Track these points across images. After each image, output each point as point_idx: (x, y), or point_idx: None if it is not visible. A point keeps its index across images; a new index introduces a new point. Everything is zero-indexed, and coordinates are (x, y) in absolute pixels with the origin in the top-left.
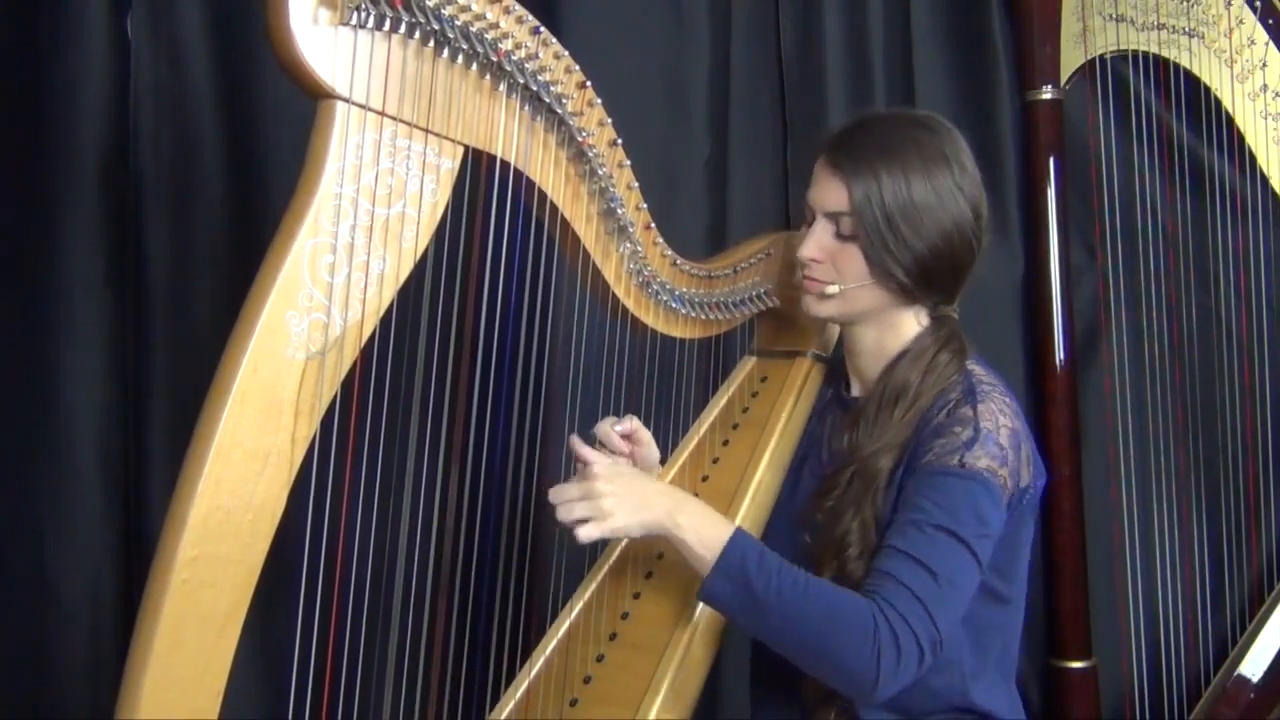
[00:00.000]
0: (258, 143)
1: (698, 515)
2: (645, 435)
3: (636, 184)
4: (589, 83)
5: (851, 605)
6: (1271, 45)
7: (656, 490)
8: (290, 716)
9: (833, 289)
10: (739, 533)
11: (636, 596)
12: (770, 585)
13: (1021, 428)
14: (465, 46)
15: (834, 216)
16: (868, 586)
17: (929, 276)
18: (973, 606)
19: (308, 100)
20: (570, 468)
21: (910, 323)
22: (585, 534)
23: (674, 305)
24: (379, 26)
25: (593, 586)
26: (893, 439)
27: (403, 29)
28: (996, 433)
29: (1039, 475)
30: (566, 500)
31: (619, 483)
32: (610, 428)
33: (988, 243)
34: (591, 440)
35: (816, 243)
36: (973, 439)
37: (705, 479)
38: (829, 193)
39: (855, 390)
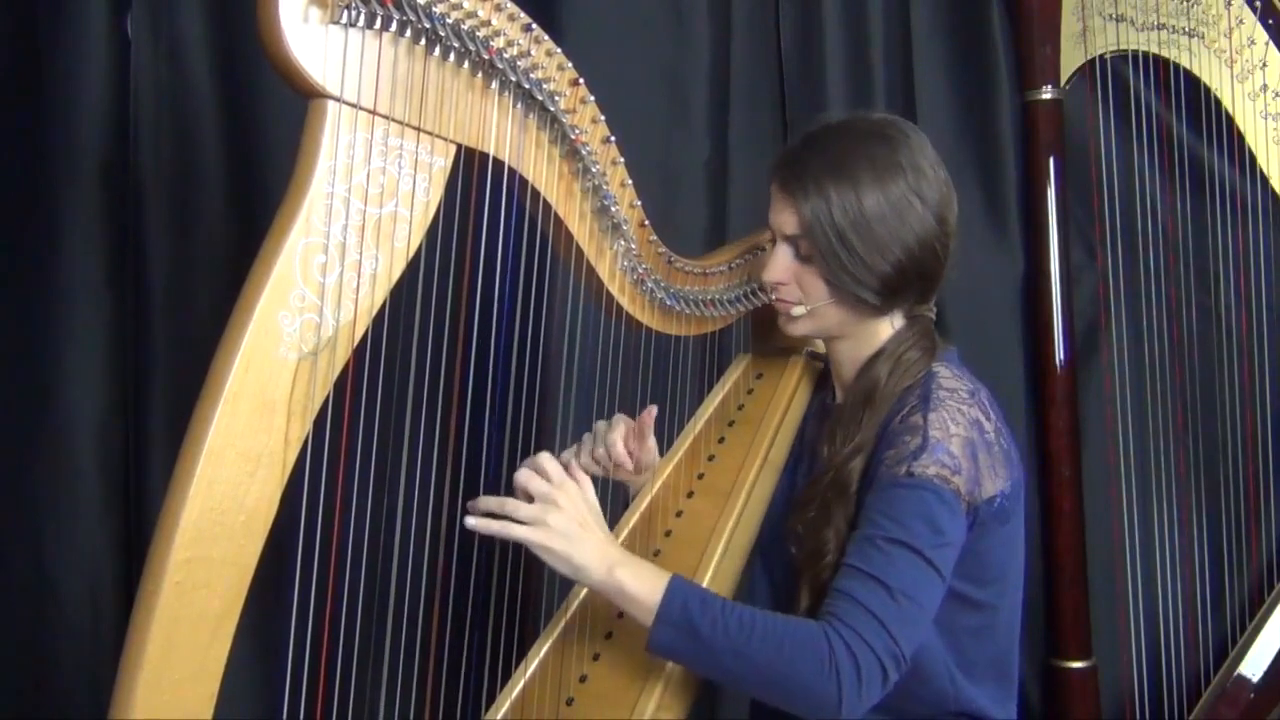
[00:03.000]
0: (258, 143)
1: (638, 569)
2: (649, 444)
3: (630, 181)
4: (581, 80)
5: (803, 632)
6: (1271, 45)
7: (606, 539)
8: (284, 717)
9: (799, 310)
10: (677, 579)
11: None
12: (716, 626)
13: (980, 438)
14: (457, 44)
15: (791, 239)
16: (825, 607)
17: (894, 289)
18: (947, 613)
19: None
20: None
21: (885, 328)
22: (507, 531)
23: (669, 302)
24: (370, 25)
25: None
26: (862, 440)
27: (394, 27)
28: (947, 442)
29: (1012, 480)
30: (527, 487)
31: (578, 511)
32: (621, 437)
33: (956, 246)
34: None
35: (779, 265)
36: (920, 447)
37: (701, 476)
38: (782, 215)
39: (839, 398)
